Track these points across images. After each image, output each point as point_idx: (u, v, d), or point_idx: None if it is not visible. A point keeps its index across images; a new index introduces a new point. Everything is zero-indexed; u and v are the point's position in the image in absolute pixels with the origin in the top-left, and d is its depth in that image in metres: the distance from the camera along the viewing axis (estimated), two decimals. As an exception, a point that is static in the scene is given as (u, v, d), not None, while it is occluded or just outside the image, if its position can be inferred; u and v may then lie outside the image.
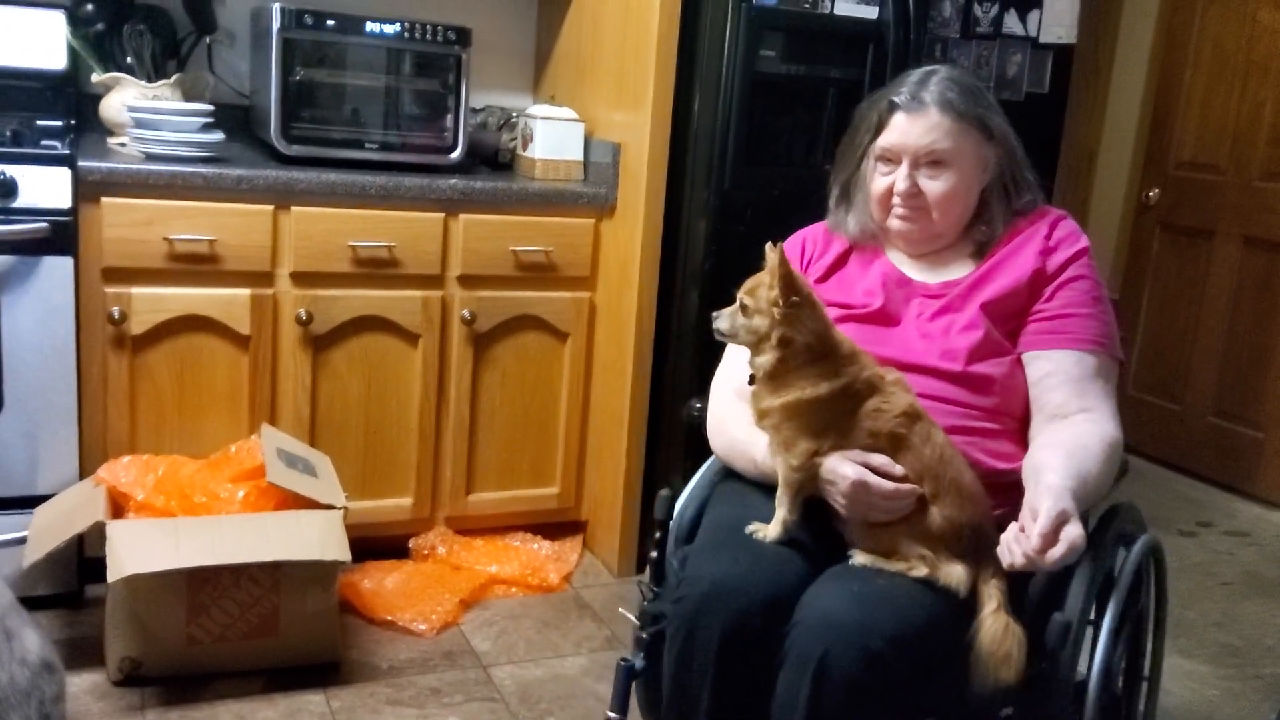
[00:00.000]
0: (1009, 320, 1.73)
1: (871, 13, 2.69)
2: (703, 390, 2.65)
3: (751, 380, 1.63)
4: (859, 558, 1.58)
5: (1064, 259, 1.75)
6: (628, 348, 2.80)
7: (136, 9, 2.78)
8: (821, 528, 1.63)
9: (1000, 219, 1.79)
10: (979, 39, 2.91)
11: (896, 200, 1.76)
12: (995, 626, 1.48)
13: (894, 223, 1.79)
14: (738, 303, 1.60)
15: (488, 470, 2.87)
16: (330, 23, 2.63)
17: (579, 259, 2.85)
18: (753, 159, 2.64)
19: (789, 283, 1.54)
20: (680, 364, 2.77)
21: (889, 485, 1.53)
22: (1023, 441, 1.70)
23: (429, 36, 2.73)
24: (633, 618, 1.81)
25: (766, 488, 1.68)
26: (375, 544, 2.73)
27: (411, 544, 2.80)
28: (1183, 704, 2.56)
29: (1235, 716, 2.52)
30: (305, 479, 2.37)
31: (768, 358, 1.57)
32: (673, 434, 2.80)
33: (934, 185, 1.74)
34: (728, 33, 2.57)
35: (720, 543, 1.61)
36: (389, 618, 2.55)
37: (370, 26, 2.68)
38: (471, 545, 2.84)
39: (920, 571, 1.53)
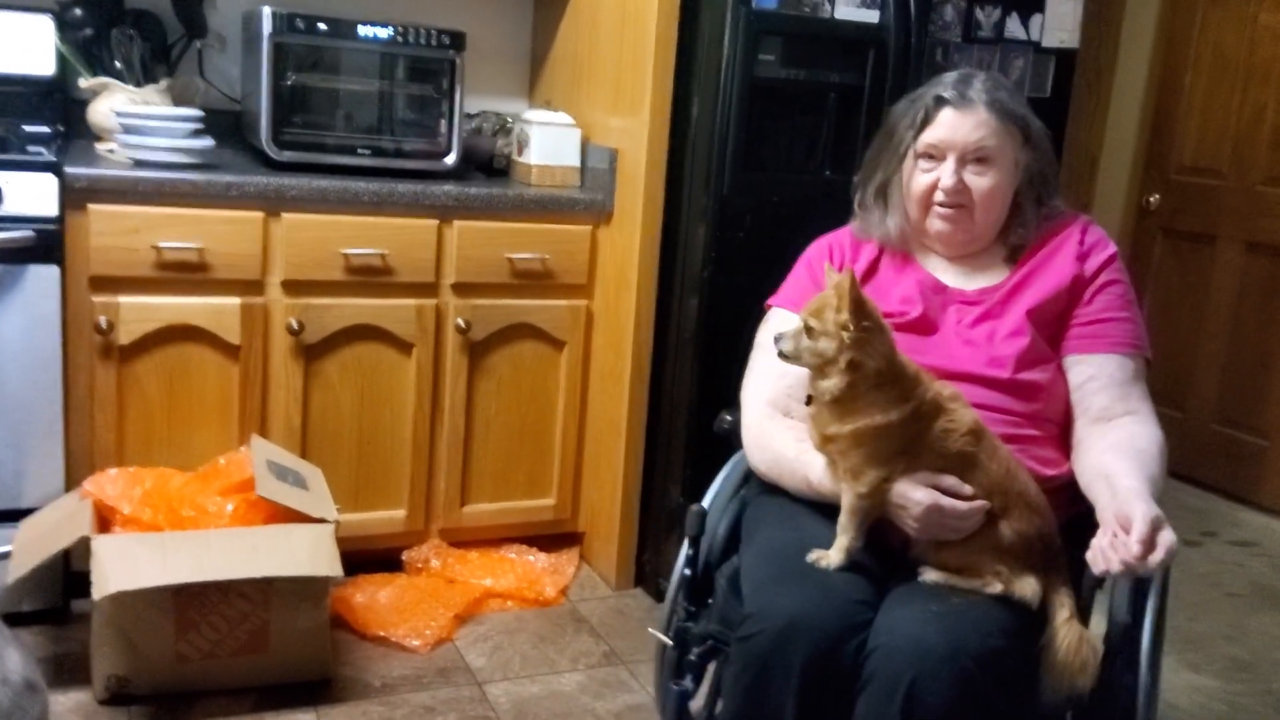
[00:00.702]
0: (1050, 325, 1.74)
1: (873, 16, 2.65)
2: (703, 399, 2.64)
3: (809, 401, 1.61)
4: (930, 575, 1.57)
5: (1099, 263, 1.77)
6: (626, 356, 2.75)
7: (126, 13, 2.74)
8: (879, 546, 1.60)
9: (1033, 223, 1.80)
10: (981, 43, 2.87)
11: (940, 197, 1.75)
12: (1070, 636, 1.49)
13: (935, 223, 1.78)
14: (801, 324, 1.57)
15: (483, 481, 2.83)
16: (322, 26, 2.59)
17: (576, 266, 2.81)
18: (752, 164, 2.59)
19: (859, 306, 1.52)
20: (680, 372, 2.72)
21: (962, 506, 1.53)
22: (1064, 446, 1.72)
23: (422, 40, 2.69)
24: (665, 638, 1.77)
25: (813, 504, 1.66)
26: (368, 557, 2.68)
27: (405, 557, 2.76)
28: (1191, 719, 2.51)
29: (1245, 732, 2.48)
30: (296, 492, 2.33)
31: (834, 382, 1.54)
32: (672, 443, 2.76)
33: (980, 182, 1.74)
34: (726, 36, 2.53)
35: (783, 573, 1.56)
36: (382, 633, 2.50)
37: (363, 30, 2.64)
38: (466, 558, 2.80)
39: (996, 588, 1.53)
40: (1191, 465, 4.02)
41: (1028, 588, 1.53)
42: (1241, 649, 2.87)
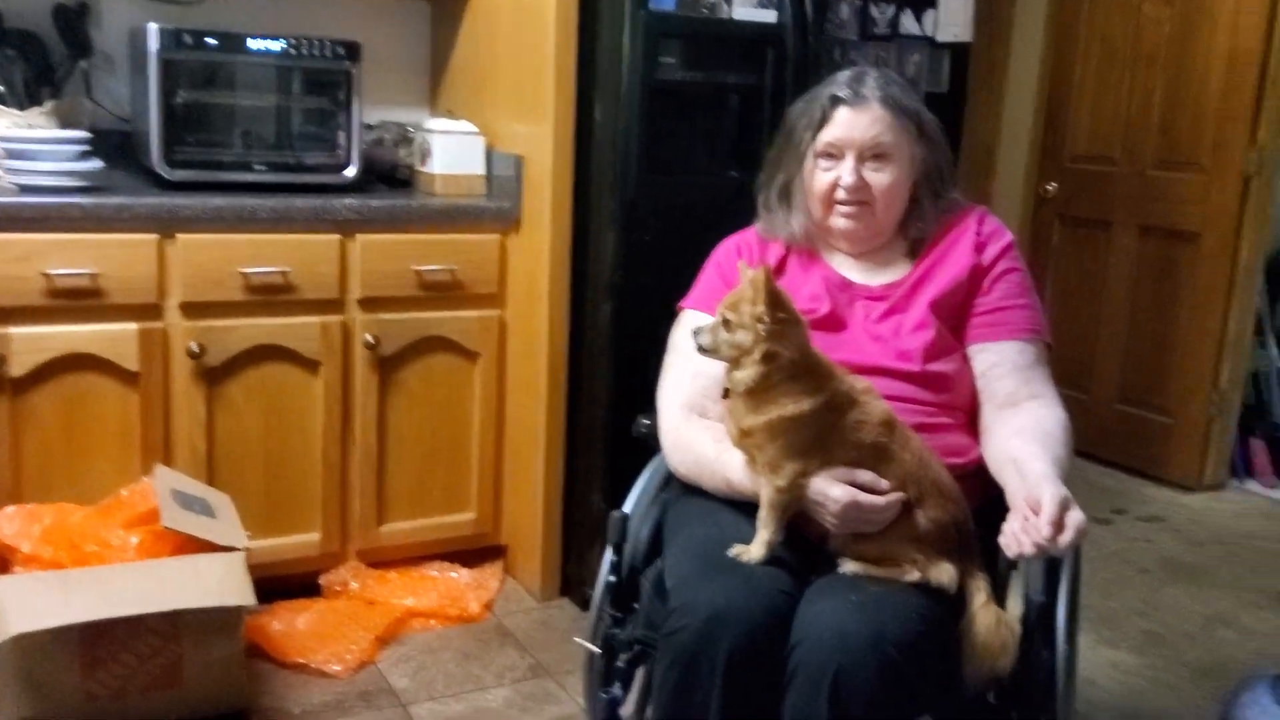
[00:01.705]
0: (953, 316, 1.77)
1: (770, 16, 2.66)
2: (621, 404, 2.63)
3: (725, 394, 1.62)
4: (849, 566, 1.58)
5: (996, 252, 1.80)
6: (541, 364, 2.73)
7: (7, 34, 2.63)
8: (798, 539, 1.61)
9: (932, 217, 1.83)
10: (877, 40, 2.91)
11: (841, 194, 1.78)
12: (988, 618, 1.52)
13: (838, 221, 1.80)
14: (719, 317, 1.58)
15: (399, 499, 2.78)
16: (211, 41, 2.52)
17: (485, 276, 2.77)
18: (657, 167, 2.59)
19: (775, 299, 1.55)
20: (596, 378, 2.71)
21: (879, 500, 1.55)
22: (973, 433, 1.75)
23: (316, 52, 2.63)
24: (592, 647, 1.76)
25: (733, 502, 1.67)
26: (283, 583, 2.61)
27: (322, 581, 2.69)
28: (1109, 695, 2.57)
29: (1163, 706, 2.54)
30: (203, 521, 2.26)
31: (750, 373, 1.56)
32: (592, 450, 2.74)
33: (879, 178, 1.77)
34: (626, 40, 2.52)
35: (707, 568, 1.56)
36: (301, 660, 2.44)
37: (254, 44, 2.57)
38: (386, 578, 2.74)
39: (913, 575, 1.56)
40: (1099, 445, 4.13)
41: (944, 574, 1.55)
42: (1154, 623, 2.95)
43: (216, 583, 2.17)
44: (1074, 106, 4.26)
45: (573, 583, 2.83)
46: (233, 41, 2.55)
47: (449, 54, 3.11)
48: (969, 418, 1.76)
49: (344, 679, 2.42)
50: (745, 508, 1.64)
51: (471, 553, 2.91)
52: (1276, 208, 3.88)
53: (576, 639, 1.81)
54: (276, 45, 2.59)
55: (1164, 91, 3.96)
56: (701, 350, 1.61)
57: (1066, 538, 1.43)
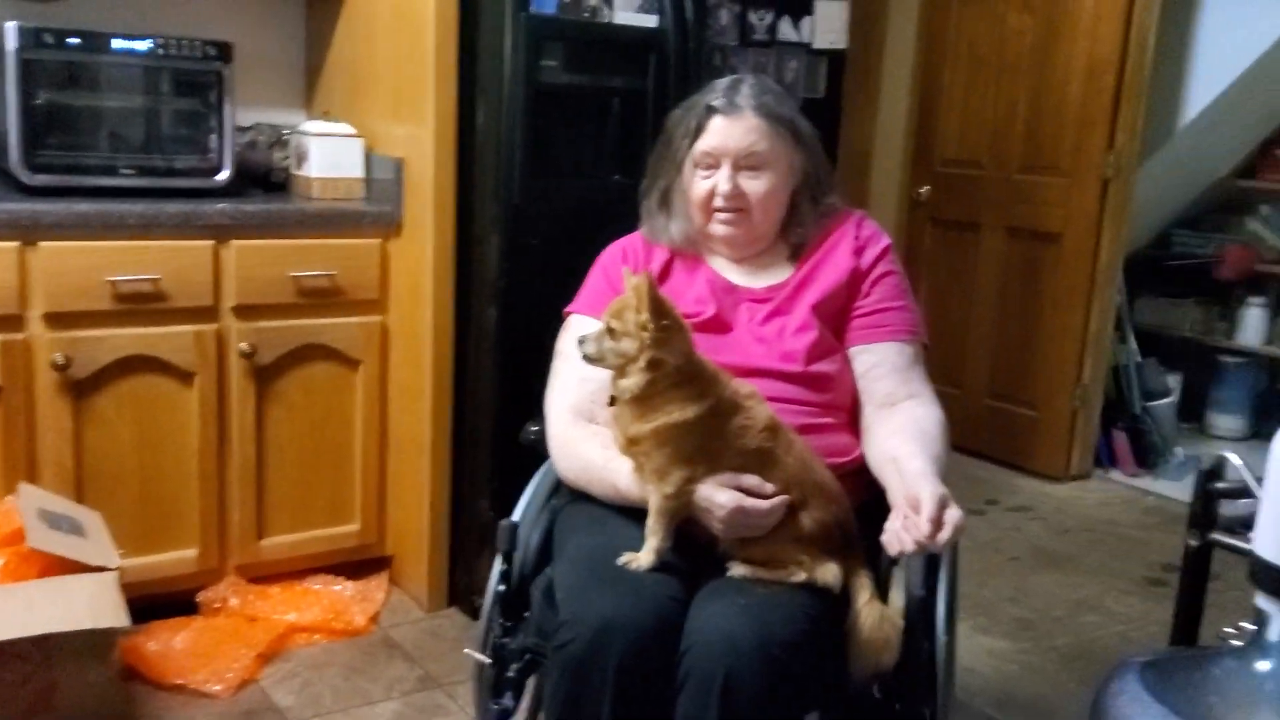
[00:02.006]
0: (834, 318, 1.81)
1: (651, 21, 2.68)
2: (508, 410, 2.61)
3: (612, 402, 1.62)
4: (737, 569, 1.59)
5: (874, 256, 1.85)
6: (425, 371, 2.69)
7: None
8: (686, 544, 1.62)
9: (811, 221, 1.86)
10: (756, 46, 2.96)
11: (719, 202, 1.80)
12: (872, 615, 1.56)
13: (717, 228, 1.83)
14: (603, 326, 1.59)
15: (280, 512, 2.71)
16: (74, 41, 2.42)
17: (366, 281, 2.72)
18: (541, 171, 2.58)
19: (658, 306, 1.55)
20: (482, 385, 2.68)
21: (765, 504, 1.56)
22: (854, 432, 1.79)
23: (185, 53, 2.55)
24: (482, 657, 1.74)
25: (622, 509, 1.67)
26: (160, 601, 2.53)
27: (200, 598, 2.61)
28: (986, 681, 2.66)
29: (1035, 690, 2.65)
30: (72, 540, 2.17)
31: (635, 380, 1.56)
32: (479, 457, 2.71)
33: (755, 185, 1.79)
34: (507, 42, 2.50)
35: (596, 577, 1.56)
36: (180, 681, 2.36)
37: (119, 44, 2.48)
38: (267, 593, 2.67)
39: (799, 576, 1.58)
40: (970, 438, 4.27)
41: (829, 574, 1.58)
42: (1025, 609, 3.07)
43: (88, 604, 2.08)
44: (944, 113, 4.40)
45: (461, 592, 2.80)
46: (97, 41, 2.45)
47: (325, 54, 3.04)
48: (851, 417, 1.80)
49: (225, 699, 2.35)
50: (634, 514, 1.64)
51: (356, 564, 2.86)
52: (1134, 209, 4.08)
53: (466, 650, 1.79)
54: (143, 45, 2.50)
55: (1028, 99, 4.12)
56: (587, 359, 1.61)
57: (945, 535, 1.47)
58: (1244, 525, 1.43)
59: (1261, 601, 1.14)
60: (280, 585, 2.72)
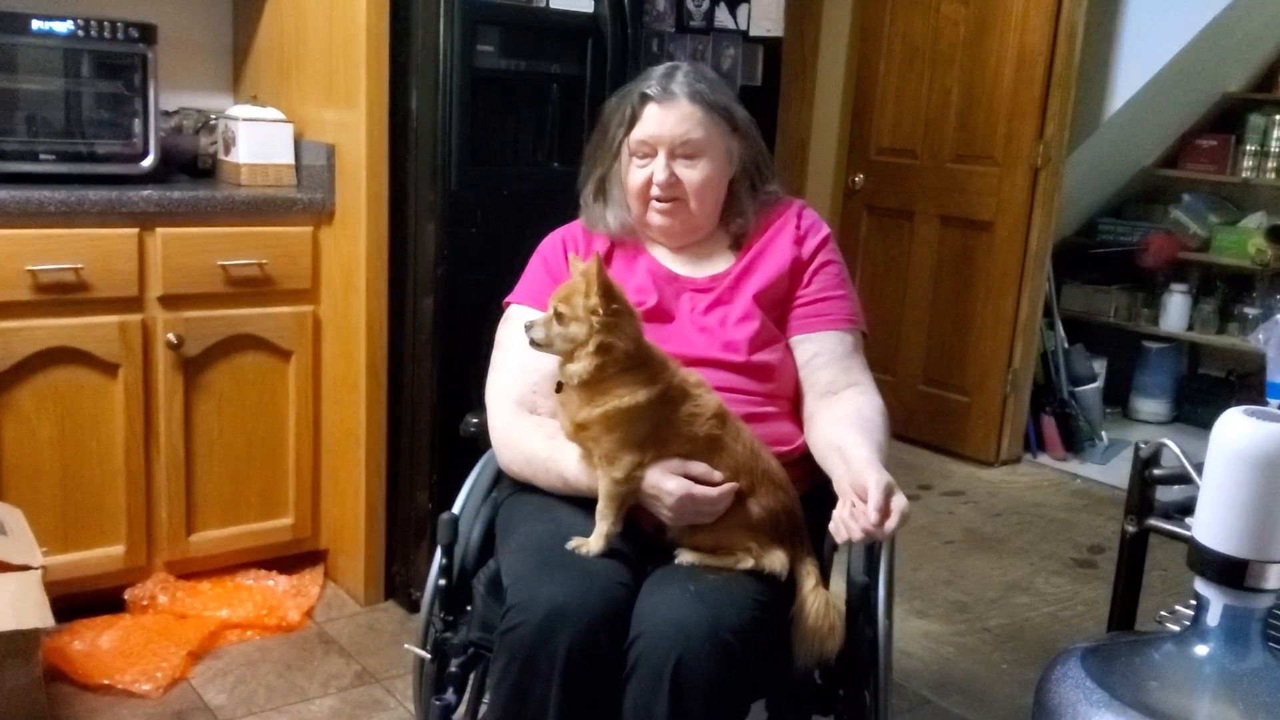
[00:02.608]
0: (775, 307, 1.82)
1: (588, 6, 2.65)
2: (446, 401, 2.58)
3: (559, 388, 1.61)
4: (685, 556, 1.59)
5: (815, 245, 1.86)
6: (359, 362, 2.64)
7: None
8: (634, 531, 1.62)
9: (751, 210, 1.86)
10: (693, 33, 2.95)
11: (656, 191, 1.79)
12: (817, 602, 1.57)
13: (654, 217, 1.82)
14: (551, 310, 1.57)
15: (209, 506, 2.64)
16: (-12, 20, 2.33)
17: (297, 270, 2.66)
18: (479, 158, 2.54)
19: (607, 290, 1.55)
20: (419, 375, 2.64)
21: (713, 491, 1.57)
22: (797, 421, 1.79)
23: (107, 34, 2.47)
24: (422, 653, 1.72)
25: (567, 498, 1.66)
26: (85, 600, 2.46)
27: (127, 595, 2.54)
28: (922, 664, 2.70)
29: (970, 671, 2.68)
30: (-8, 539, 2.09)
31: (584, 365, 1.55)
32: (416, 449, 2.67)
33: (691, 174, 1.78)
34: (442, 26, 2.46)
35: (544, 564, 1.54)
36: (106, 681, 2.30)
37: (37, 25, 2.39)
38: (197, 590, 2.61)
39: (748, 563, 1.58)
40: (905, 424, 4.32)
41: (777, 561, 1.59)
42: (959, 592, 3.12)
43: (9, 604, 2.02)
44: (879, 102, 4.43)
45: (398, 585, 2.76)
46: (14, 21, 2.37)
47: (253, 36, 2.97)
48: (793, 406, 1.81)
49: (155, 699, 2.29)
50: (581, 503, 1.63)
51: (290, 559, 2.81)
52: (1062, 198, 4.15)
53: (406, 645, 1.77)
54: (63, 26, 2.41)
55: (960, 89, 4.16)
56: (534, 344, 1.59)
57: (892, 523, 1.48)
58: (1180, 511, 1.45)
59: (1201, 587, 1.16)
60: (211, 581, 2.66)
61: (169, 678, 2.34)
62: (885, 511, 1.49)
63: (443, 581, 1.73)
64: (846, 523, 1.50)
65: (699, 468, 1.58)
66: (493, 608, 1.61)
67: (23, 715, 2.07)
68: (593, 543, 1.56)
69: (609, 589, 1.51)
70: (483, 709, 1.71)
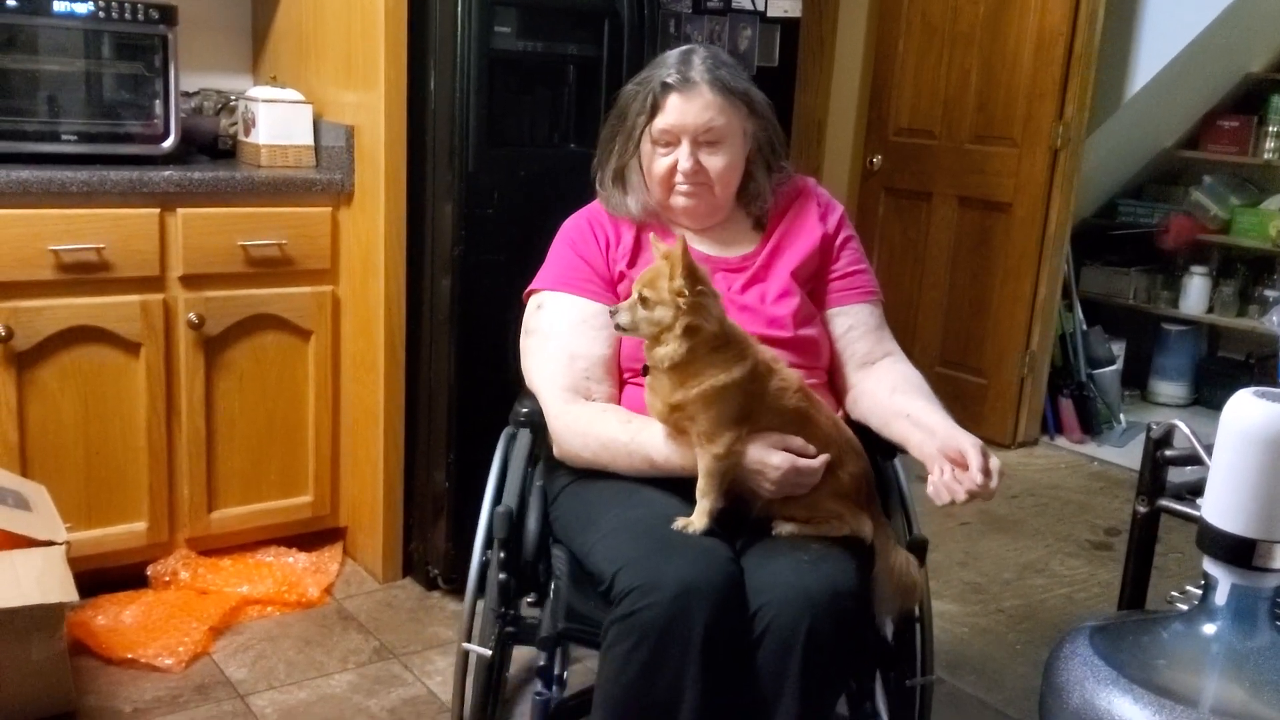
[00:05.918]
0: (809, 282, 1.86)
1: (605, -13, 2.65)
2: (463, 381, 2.59)
3: (645, 371, 1.64)
4: (785, 528, 1.64)
5: (836, 221, 1.91)
6: (378, 341, 2.67)
7: None
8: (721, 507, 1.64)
9: (768, 189, 1.88)
10: (710, 13, 2.95)
11: (680, 179, 1.80)
12: (900, 560, 1.63)
13: (678, 200, 1.83)
14: (635, 295, 1.59)
15: (230, 484, 2.68)
16: (12, 3, 2.36)
17: (317, 250, 2.68)
18: (496, 139, 2.55)
19: (692, 272, 1.56)
20: (437, 355, 2.66)
21: (815, 463, 1.60)
22: (833, 392, 1.84)
23: (128, 15, 2.48)
24: (484, 650, 1.74)
25: (647, 480, 1.68)
26: (108, 575, 2.50)
27: (150, 571, 2.58)
28: (937, 644, 2.67)
29: (984, 651, 2.70)
30: (17, 514, 2.13)
31: (672, 348, 1.57)
32: (433, 428, 2.70)
33: (715, 161, 1.80)
34: (460, 8, 2.46)
35: (659, 544, 1.55)
36: (129, 655, 2.33)
37: (59, 6, 2.41)
38: (218, 566, 2.65)
39: (844, 529, 1.62)
40: (922, 407, 4.31)
41: (865, 525, 1.64)
42: (974, 573, 3.12)
43: (34, 579, 2.05)
44: (897, 83, 4.41)
45: (416, 563, 2.79)
46: (36, 3, 2.39)
47: (272, 18, 2.98)
48: (830, 378, 1.85)
49: (177, 673, 2.33)
50: (661, 484, 1.66)
51: (309, 536, 2.84)
52: (1081, 179, 4.12)
53: (465, 644, 1.78)
54: (84, 7, 2.43)
55: (979, 69, 4.14)
56: (620, 329, 1.62)
57: (994, 482, 1.54)
58: (1192, 492, 1.46)
59: (1209, 566, 1.17)
60: (232, 558, 2.70)
61: (191, 652, 2.37)
62: (988, 471, 1.53)
63: (503, 576, 1.73)
64: (950, 486, 1.54)
65: (797, 441, 1.61)
66: (579, 594, 1.63)
67: (47, 688, 2.11)
68: (696, 520, 1.59)
69: (726, 564, 1.55)
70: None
